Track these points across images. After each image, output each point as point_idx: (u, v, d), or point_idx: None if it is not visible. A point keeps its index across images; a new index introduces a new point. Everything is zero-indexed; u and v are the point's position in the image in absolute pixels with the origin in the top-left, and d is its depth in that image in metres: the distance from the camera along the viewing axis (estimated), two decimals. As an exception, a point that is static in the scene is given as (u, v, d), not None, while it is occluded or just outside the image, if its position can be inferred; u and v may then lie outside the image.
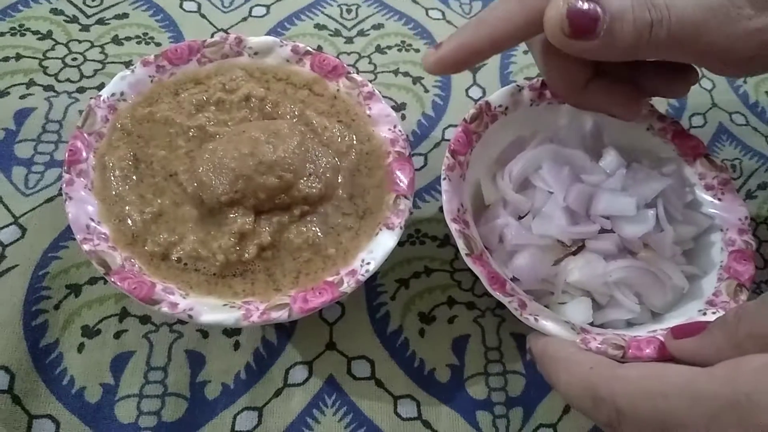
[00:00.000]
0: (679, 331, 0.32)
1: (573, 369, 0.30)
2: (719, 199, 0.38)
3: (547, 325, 0.32)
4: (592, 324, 0.35)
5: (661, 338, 0.33)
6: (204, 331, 0.38)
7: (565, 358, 0.31)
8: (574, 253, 0.36)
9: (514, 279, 0.36)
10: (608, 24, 0.30)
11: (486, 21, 0.33)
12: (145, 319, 0.38)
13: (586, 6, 0.30)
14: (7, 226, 0.40)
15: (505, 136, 0.40)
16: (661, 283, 0.35)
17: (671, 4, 0.30)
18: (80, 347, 0.37)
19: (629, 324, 0.36)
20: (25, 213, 0.40)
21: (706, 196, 0.38)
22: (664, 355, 0.32)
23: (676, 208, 0.37)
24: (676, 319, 0.35)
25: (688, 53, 0.32)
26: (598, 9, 0.30)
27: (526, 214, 0.37)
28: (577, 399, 0.29)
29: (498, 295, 0.33)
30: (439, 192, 0.44)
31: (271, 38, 0.43)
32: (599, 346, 0.32)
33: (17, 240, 0.39)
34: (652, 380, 0.27)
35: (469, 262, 0.33)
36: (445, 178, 0.35)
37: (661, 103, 0.51)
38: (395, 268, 0.42)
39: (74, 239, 0.38)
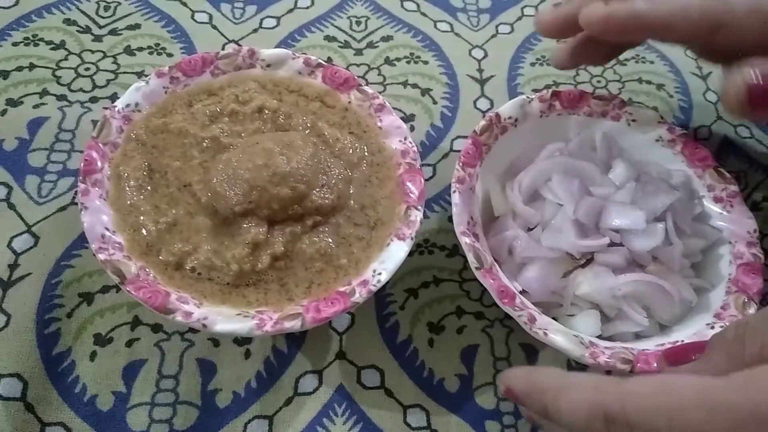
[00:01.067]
0: (673, 358, 0.31)
1: (574, 394, 0.28)
2: (728, 212, 0.38)
3: (557, 339, 0.33)
4: (600, 336, 0.36)
5: None
6: (215, 340, 0.39)
7: (561, 385, 0.29)
8: (583, 266, 0.36)
9: (523, 291, 0.36)
10: None
11: (664, 2, 0.34)
12: (156, 328, 0.38)
13: (763, 83, 0.31)
14: (20, 234, 0.40)
15: (514, 147, 0.40)
16: (670, 296, 0.35)
17: None
18: (92, 355, 0.37)
19: (637, 336, 0.36)
20: (38, 221, 0.41)
21: (714, 208, 0.39)
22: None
23: (685, 221, 0.37)
24: (684, 331, 0.36)
25: None
26: None
27: (536, 226, 0.38)
28: (586, 424, 0.27)
29: (508, 309, 0.33)
30: (448, 202, 0.45)
31: (283, 51, 0.43)
32: (608, 360, 0.32)
33: (30, 248, 0.39)
34: (664, 394, 0.26)
35: (479, 276, 0.34)
36: (455, 191, 0.36)
37: (667, 115, 0.51)
38: (404, 277, 0.42)
39: (87, 248, 0.38)
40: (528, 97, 0.40)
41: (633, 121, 0.40)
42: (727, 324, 0.35)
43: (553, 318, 0.36)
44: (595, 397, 0.27)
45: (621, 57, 0.56)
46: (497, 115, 0.39)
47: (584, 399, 0.27)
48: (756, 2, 0.33)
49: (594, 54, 0.39)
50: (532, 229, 0.38)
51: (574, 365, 0.40)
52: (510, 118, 0.39)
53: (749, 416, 0.24)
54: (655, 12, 0.34)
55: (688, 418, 0.25)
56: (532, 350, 0.40)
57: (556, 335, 0.33)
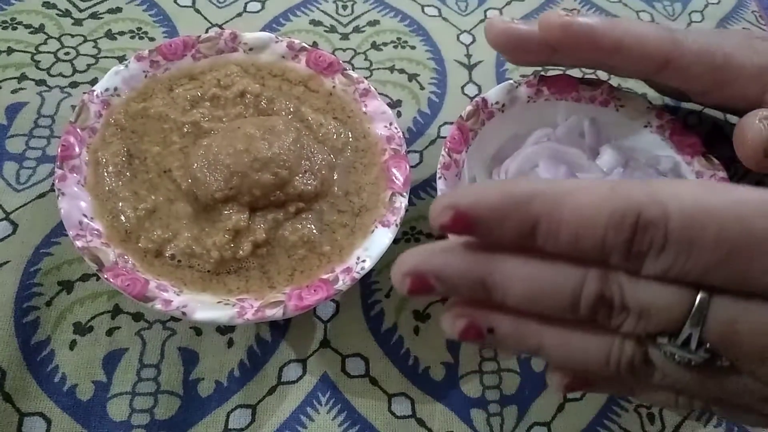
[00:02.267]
0: None
1: (585, 197, 0.22)
2: (715, 199, 0.38)
3: None
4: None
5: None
6: (197, 329, 0.38)
7: (559, 189, 0.22)
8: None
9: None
10: None
11: (620, 24, 0.34)
12: (137, 317, 0.38)
13: None
14: (-2, 221, 0.39)
15: (501, 133, 0.40)
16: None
17: None
18: (72, 344, 0.36)
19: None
20: (17, 209, 0.40)
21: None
22: None
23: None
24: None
25: None
26: None
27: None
28: (603, 232, 0.21)
29: None
30: (435, 189, 0.44)
31: (266, 34, 0.42)
32: None
33: (8, 236, 0.39)
34: (720, 199, 0.21)
35: None
36: (440, 177, 0.35)
37: (656, 101, 0.51)
38: (390, 265, 0.41)
39: (66, 235, 0.38)
40: (515, 82, 0.39)
41: (621, 107, 0.40)
42: None
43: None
44: (622, 200, 0.21)
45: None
46: (484, 101, 0.38)
47: (604, 202, 0.21)
48: (707, 47, 0.34)
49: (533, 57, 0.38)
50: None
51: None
52: (497, 103, 0.39)
53: None
54: (610, 33, 0.33)
55: (748, 228, 0.21)
56: (519, 338, 0.40)
57: None
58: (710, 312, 0.21)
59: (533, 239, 0.22)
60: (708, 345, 0.22)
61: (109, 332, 0.37)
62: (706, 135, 0.51)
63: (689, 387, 0.24)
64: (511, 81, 0.39)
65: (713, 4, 0.61)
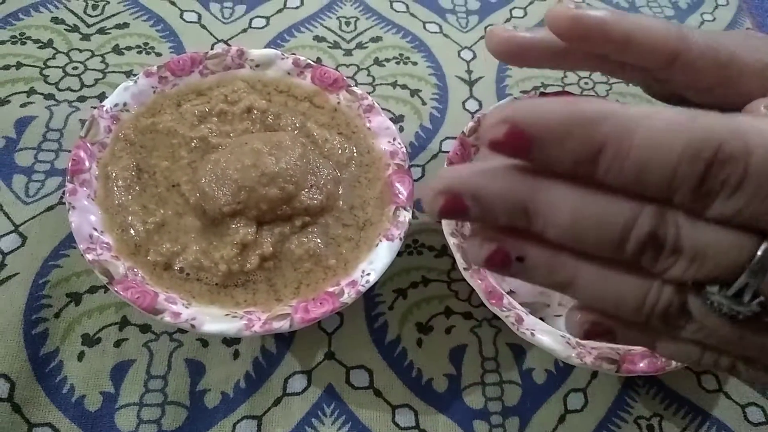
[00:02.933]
0: None
1: (661, 122, 0.19)
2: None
3: (544, 339, 0.33)
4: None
5: (656, 354, 0.33)
6: (204, 340, 0.39)
7: (631, 112, 0.20)
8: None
9: (510, 291, 0.36)
10: None
11: (628, 18, 0.33)
12: (145, 328, 0.38)
13: None
14: (7, 234, 0.40)
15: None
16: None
17: None
18: (80, 356, 0.37)
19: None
20: (26, 221, 0.40)
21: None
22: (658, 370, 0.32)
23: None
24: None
25: None
26: None
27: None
28: (677, 163, 0.19)
29: (495, 310, 0.34)
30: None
31: (272, 51, 0.43)
32: (594, 360, 0.33)
33: (18, 248, 0.39)
34: None
35: (467, 277, 0.34)
36: None
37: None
38: (393, 278, 0.42)
39: (75, 248, 0.38)
40: (516, 99, 0.40)
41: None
42: None
43: (541, 318, 0.36)
44: (700, 130, 0.19)
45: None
46: (485, 117, 0.39)
47: (681, 131, 0.19)
48: (713, 42, 0.34)
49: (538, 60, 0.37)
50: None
51: (562, 365, 0.40)
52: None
53: None
54: (620, 25, 0.33)
55: None
56: (520, 350, 0.41)
57: (543, 336, 0.33)
58: None
59: (594, 166, 0.20)
60: (763, 298, 0.20)
61: (117, 344, 0.38)
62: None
63: (725, 342, 0.23)
64: (511, 97, 0.40)
65: (709, 21, 0.62)
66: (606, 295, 0.22)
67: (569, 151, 0.20)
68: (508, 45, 0.35)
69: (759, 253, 0.20)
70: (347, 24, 0.55)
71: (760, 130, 0.19)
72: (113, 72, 0.48)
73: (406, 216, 0.37)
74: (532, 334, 0.33)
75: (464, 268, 0.34)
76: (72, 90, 0.47)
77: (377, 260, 0.36)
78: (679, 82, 0.36)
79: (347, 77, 0.43)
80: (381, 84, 0.51)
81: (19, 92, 0.46)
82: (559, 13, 0.33)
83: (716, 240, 0.20)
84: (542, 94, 0.41)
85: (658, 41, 0.33)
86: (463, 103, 0.51)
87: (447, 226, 0.35)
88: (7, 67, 0.47)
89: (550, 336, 0.33)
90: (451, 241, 0.34)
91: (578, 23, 0.33)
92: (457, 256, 0.34)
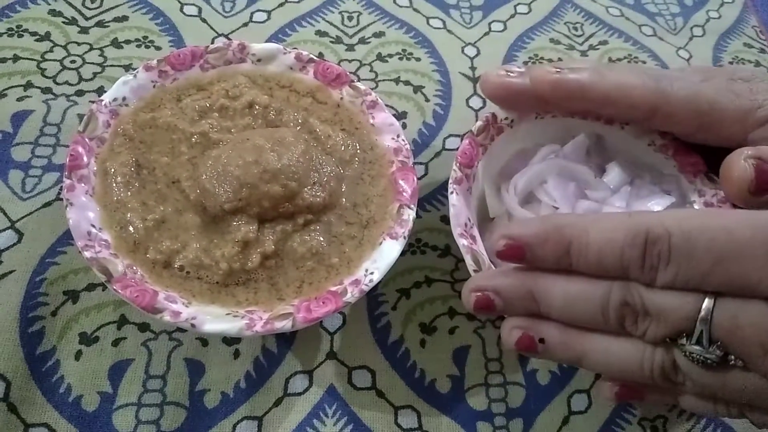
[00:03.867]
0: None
1: (606, 223, 0.27)
2: (719, 215, 0.38)
3: None
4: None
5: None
6: (203, 340, 0.38)
7: (588, 219, 0.28)
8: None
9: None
10: None
11: (607, 78, 0.35)
12: (143, 327, 0.38)
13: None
14: (3, 230, 0.39)
15: (509, 148, 0.40)
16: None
17: None
18: (78, 355, 0.36)
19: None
20: (22, 217, 0.40)
21: (706, 213, 0.39)
22: None
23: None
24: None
25: None
26: None
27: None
28: (621, 252, 0.26)
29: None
30: (440, 201, 0.45)
31: (274, 45, 0.42)
32: None
33: (14, 245, 0.39)
34: (707, 215, 0.27)
35: None
36: (452, 192, 0.35)
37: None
38: (396, 277, 0.42)
39: (72, 245, 0.38)
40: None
41: (626, 125, 0.40)
42: None
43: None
44: (634, 224, 0.26)
45: (614, 57, 0.56)
46: (494, 116, 0.39)
47: (620, 225, 0.27)
48: (692, 94, 0.35)
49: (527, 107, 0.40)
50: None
51: (566, 367, 0.40)
52: (506, 119, 0.39)
53: None
54: (598, 86, 0.36)
55: (732, 237, 0.25)
56: (524, 351, 0.40)
57: None
58: (715, 311, 0.26)
59: (568, 259, 0.28)
60: (719, 342, 0.26)
61: (115, 343, 0.37)
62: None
63: (716, 390, 0.28)
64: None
65: (714, 18, 0.62)
66: (612, 363, 0.29)
67: (549, 251, 0.28)
68: (503, 90, 0.38)
69: (703, 305, 0.26)
70: (350, 19, 0.54)
71: (677, 216, 0.26)
72: (112, 66, 0.48)
73: (410, 214, 0.37)
74: None
75: (474, 270, 0.33)
76: (70, 84, 0.46)
77: (381, 259, 0.35)
78: (662, 129, 0.38)
79: (350, 73, 0.43)
80: (384, 80, 0.51)
81: (16, 86, 0.45)
82: (542, 77, 0.36)
83: (670, 301, 0.26)
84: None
85: (636, 99, 0.35)
86: (467, 100, 0.51)
87: (456, 227, 0.34)
88: (3, 60, 0.46)
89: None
90: (461, 243, 0.34)
91: (558, 87, 0.36)
92: (467, 258, 0.33)
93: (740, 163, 0.32)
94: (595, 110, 0.38)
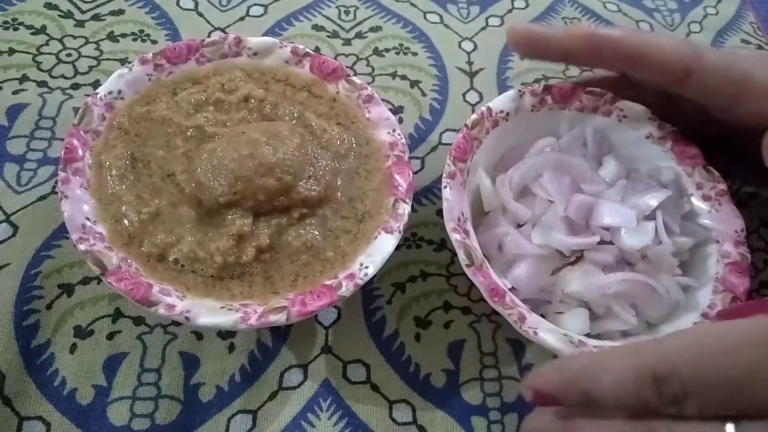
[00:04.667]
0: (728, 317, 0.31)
1: (614, 365, 0.27)
2: (716, 210, 0.38)
3: (547, 338, 0.33)
4: (588, 334, 0.35)
5: None
6: (198, 333, 0.38)
7: (595, 363, 0.28)
8: (573, 264, 0.36)
9: (512, 288, 0.36)
10: None
11: (642, 34, 0.35)
12: (138, 320, 0.38)
13: None
14: (-2, 223, 0.39)
15: (505, 141, 0.40)
16: (659, 295, 0.35)
17: None
18: (72, 348, 0.36)
19: (625, 334, 0.36)
20: (17, 211, 0.40)
21: (703, 207, 0.39)
22: None
23: (674, 219, 0.37)
24: (671, 330, 0.36)
25: None
26: None
27: (526, 223, 0.37)
28: (635, 392, 0.26)
29: (498, 308, 0.33)
30: (436, 196, 0.45)
31: (270, 39, 0.42)
32: None
33: (9, 238, 0.38)
34: (710, 340, 0.26)
35: (470, 274, 0.33)
36: (446, 186, 0.35)
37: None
38: (391, 271, 0.42)
39: (67, 238, 0.38)
40: (520, 91, 0.39)
41: (624, 117, 0.40)
42: None
43: (542, 315, 0.35)
44: (638, 362, 0.26)
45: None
46: (489, 109, 0.38)
47: (627, 367, 0.27)
48: (727, 62, 0.35)
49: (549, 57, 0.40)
50: (522, 226, 0.38)
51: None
52: (501, 112, 0.39)
53: None
54: (631, 41, 0.35)
55: (740, 358, 0.25)
56: (519, 346, 0.40)
57: (546, 334, 0.33)
58: None
59: (594, 403, 0.28)
60: None
61: (110, 336, 0.37)
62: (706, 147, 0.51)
63: None
64: (516, 89, 0.40)
65: (712, 15, 0.61)
66: None
67: (573, 399, 0.28)
68: (530, 37, 0.37)
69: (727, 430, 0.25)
70: (347, 13, 0.54)
71: (679, 348, 0.26)
72: (108, 59, 0.47)
73: (405, 208, 0.37)
74: (535, 332, 0.33)
75: (467, 265, 0.33)
76: (65, 77, 0.46)
77: (376, 253, 0.35)
78: (693, 97, 0.37)
79: (346, 67, 0.43)
80: (380, 74, 0.51)
81: (11, 79, 0.45)
82: (574, 30, 0.36)
83: (695, 430, 0.26)
84: (546, 86, 0.40)
85: (670, 56, 0.35)
86: (464, 94, 0.51)
87: (449, 221, 0.34)
88: (-1, 53, 0.46)
89: (552, 335, 0.33)
90: (454, 237, 0.34)
91: (591, 39, 0.36)
92: (460, 253, 0.33)
93: None
94: (626, 69, 0.37)
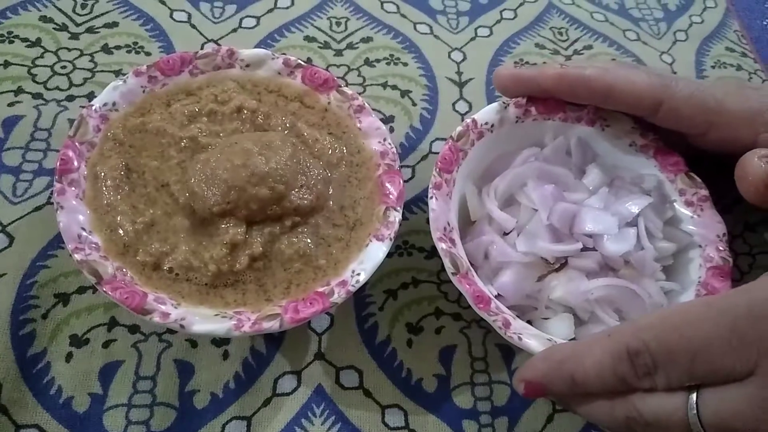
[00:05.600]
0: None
1: (594, 349, 0.30)
2: (698, 216, 0.39)
3: (531, 343, 0.33)
4: (573, 339, 0.36)
5: None
6: (193, 341, 0.38)
7: (579, 350, 0.31)
8: (557, 270, 0.37)
9: (498, 295, 0.36)
10: None
11: (611, 72, 0.37)
12: (134, 329, 0.38)
13: None
14: (-6, 234, 0.39)
15: (490, 152, 0.41)
16: (641, 300, 0.36)
17: None
18: (68, 357, 0.37)
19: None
20: (13, 221, 0.40)
21: (685, 212, 0.39)
22: None
23: (657, 225, 0.38)
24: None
25: None
26: None
27: (511, 231, 0.38)
28: (613, 370, 0.29)
29: (483, 314, 0.34)
30: (427, 204, 0.45)
31: (262, 51, 0.43)
32: None
33: (5, 248, 0.39)
34: (674, 315, 0.29)
35: (455, 281, 0.34)
36: (432, 197, 0.36)
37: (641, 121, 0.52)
38: (383, 279, 0.42)
39: (63, 248, 0.38)
40: (504, 103, 0.40)
41: (607, 126, 0.41)
42: None
43: (528, 321, 0.36)
44: (614, 343, 0.29)
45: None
46: (474, 121, 0.39)
47: (606, 350, 0.29)
48: (698, 92, 0.37)
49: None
50: (507, 234, 0.38)
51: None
52: (486, 123, 0.40)
53: (746, 311, 0.27)
54: (602, 78, 0.37)
55: (697, 329, 0.27)
56: (509, 351, 0.41)
57: (531, 340, 0.33)
58: (700, 407, 0.28)
59: (578, 387, 0.31)
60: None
61: (106, 344, 0.37)
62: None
63: None
64: (500, 101, 0.40)
65: (697, 23, 0.63)
66: None
67: (560, 385, 0.31)
68: (513, 80, 0.40)
69: (689, 404, 0.28)
70: (338, 24, 0.55)
71: (649, 323, 0.29)
72: (102, 71, 0.48)
73: (396, 216, 0.37)
74: (520, 338, 0.33)
75: (452, 273, 0.34)
76: (60, 89, 0.46)
77: (367, 260, 0.36)
78: (668, 126, 0.39)
79: (338, 77, 0.43)
80: (371, 84, 0.51)
81: (7, 91, 0.45)
82: (546, 70, 0.38)
83: (664, 406, 0.29)
84: (530, 98, 0.41)
85: (641, 91, 0.37)
86: (453, 104, 0.52)
87: (435, 231, 0.35)
88: (-6, 66, 0.46)
89: (537, 340, 0.33)
90: (440, 246, 0.34)
91: (562, 80, 0.38)
92: (446, 261, 0.34)
93: (754, 162, 0.34)
94: (600, 103, 0.39)
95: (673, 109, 0.37)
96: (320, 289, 0.35)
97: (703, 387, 0.28)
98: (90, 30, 0.50)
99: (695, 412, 0.28)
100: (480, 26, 0.58)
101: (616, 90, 0.37)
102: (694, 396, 0.28)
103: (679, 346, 0.27)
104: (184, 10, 0.53)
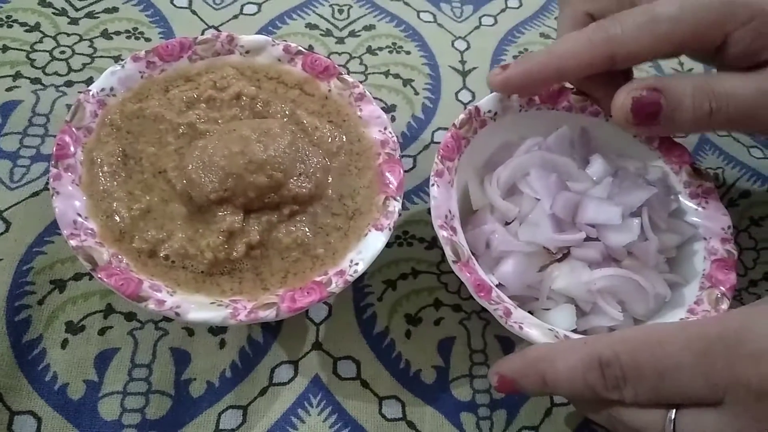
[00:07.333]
0: None
1: (568, 354, 0.30)
2: (703, 208, 0.38)
3: (532, 332, 0.33)
4: (575, 330, 0.36)
5: None
6: (189, 329, 0.38)
7: (554, 352, 0.31)
8: (560, 260, 0.36)
9: (499, 284, 0.36)
10: (668, 113, 0.34)
11: (555, 53, 0.37)
12: (130, 316, 0.38)
13: (648, 98, 0.34)
14: (-9, 219, 0.39)
15: (493, 141, 0.40)
16: (644, 291, 0.35)
17: (731, 93, 0.33)
18: (64, 343, 0.36)
19: (611, 330, 0.36)
20: (10, 207, 0.40)
21: (690, 204, 0.39)
22: None
23: (661, 216, 0.37)
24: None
25: (741, 129, 0.38)
26: (661, 101, 0.34)
27: (513, 220, 0.38)
28: (583, 377, 0.29)
29: (484, 303, 0.33)
30: (428, 194, 0.45)
31: (262, 37, 0.42)
32: None
33: (1, 234, 0.39)
34: (649, 332, 0.29)
35: (456, 270, 0.34)
36: (434, 184, 0.36)
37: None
38: (383, 269, 0.42)
39: (60, 234, 0.38)
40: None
41: (611, 116, 0.40)
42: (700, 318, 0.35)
43: (529, 312, 0.36)
44: (588, 351, 0.29)
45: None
46: (477, 109, 0.39)
47: (579, 356, 0.29)
48: (648, 20, 0.35)
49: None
50: (509, 223, 0.38)
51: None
52: (489, 111, 0.39)
53: (718, 339, 0.27)
54: (547, 67, 0.37)
55: (667, 350, 0.27)
56: (509, 343, 0.40)
57: (531, 329, 0.33)
58: (677, 426, 0.28)
59: (548, 388, 0.31)
60: None
61: (102, 331, 0.37)
62: (695, 145, 0.51)
63: None
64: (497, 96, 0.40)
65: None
66: None
67: (531, 383, 0.31)
68: (505, 84, 0.39)
69: (667, 420, 0.28)
70: (340, 11, 0.54)
71: (624, 337, 0.29)
72: (101, 57, 0.48)
73: (395, 206, 0.37)
74: (520, 327, 0.33)
75: (453, 261, 0.34)
76: (59, 74, 0.46)
77: (366, 250, 0.36)
78: (645, 60, 0.37)
79: (339, 65, 0.43)
80: (373, 73, 0.51)
81: (5, 76, 0.45)
82: (493, 83, 0.38)
83: (645, 420, 0.28)
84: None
85: (587, 58, 0.36)
86: (456, 93, 0.51)
87: (436, 218, 0.35)
88: (-8, 50, 0.46)
89: (538, 329, 0.33)
90: (441, 234, 0.34)
91: (508, 85, 0.38)
92: (446, 249, 0.34)
93: (621, 96, 0.34)
94: (562, 82, 0.40)
95: (627, 53, 0.35)
96: (318, 279, 0.35)
97: (682, 407, 0.28)
98: (89, 15, 0.50)
99: (672, 428, 0.28)
100: (484, 15, 0.57)
101: (566, 69, 0.36)
102: (672, 413, 0.28)
103: (649, 364, 0.27)
104: (184, -4, 0.52)
